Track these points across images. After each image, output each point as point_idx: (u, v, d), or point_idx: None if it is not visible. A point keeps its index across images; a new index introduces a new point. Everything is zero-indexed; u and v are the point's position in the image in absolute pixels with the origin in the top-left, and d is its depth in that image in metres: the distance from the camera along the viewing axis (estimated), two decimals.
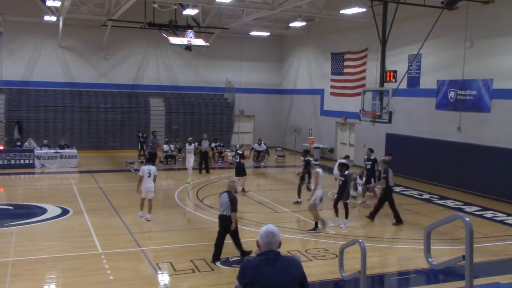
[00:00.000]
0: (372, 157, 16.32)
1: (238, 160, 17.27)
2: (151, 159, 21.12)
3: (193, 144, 19.80)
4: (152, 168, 13.35)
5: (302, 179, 16.03)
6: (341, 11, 21.30)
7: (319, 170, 13.06)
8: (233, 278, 9.03)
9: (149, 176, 13.10)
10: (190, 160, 19.30)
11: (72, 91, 28.39)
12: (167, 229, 12.80)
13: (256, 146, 24.98)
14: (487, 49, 17.97)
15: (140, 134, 24.96)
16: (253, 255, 8.80)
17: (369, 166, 16.24)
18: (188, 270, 9.52)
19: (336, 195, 13.50)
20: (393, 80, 18.22)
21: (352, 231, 13.27)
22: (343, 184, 13.33)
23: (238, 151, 17.50)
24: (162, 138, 26.74)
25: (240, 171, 17.05)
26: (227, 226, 10.03)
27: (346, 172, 13.44)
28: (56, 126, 27.40)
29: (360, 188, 16.54)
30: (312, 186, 13.52)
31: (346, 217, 13.19)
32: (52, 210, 14.18)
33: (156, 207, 14.33)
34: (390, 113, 18.42)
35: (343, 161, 15.40)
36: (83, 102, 28.23)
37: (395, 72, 18.32)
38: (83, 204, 15.07)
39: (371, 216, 13.78)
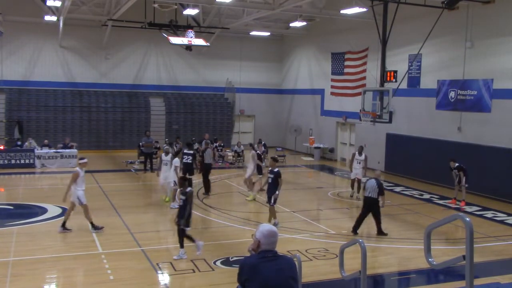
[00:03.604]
0: (276, 170, 12.75)
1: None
2: (147, 159, 21.09)
3: (170, 154, 15.43)
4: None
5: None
6: (342, 11, 21.29)
7: (78, 169, 11.98)
8: (233, 278, 9.04)
9: (166, 164, 14.72)
10: (167, 174, 15.08)
11: (73, 91, 28.39)
12: (167, 229, 12.79)
13: (256, 147, 24.78)
14: (487, 49, 17.97)
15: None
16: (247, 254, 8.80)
17: (270, 180, 12.75)
18: (188, 270, 9.52)
19: (176, 219, 10.17)
20: (394, 80, 18.22)
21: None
22: (183, 205, 10.07)
23: (258, 151, 17.49)
24: (162, 138, 26.78)
25: (260, 169, 17.10)
26: (371, 207, 12.21)
27: (188, 189, 10.19)
28: (56, 126, 27.40)
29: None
30: None
31: (181, 245, 10.16)
32: (53, 209, 14.18)
33: (156, 206, 14.33)
34: (391, 113, 18.42)
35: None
36: (84, 102, 28.23)
37: (395, 72, 18.32)
38: None
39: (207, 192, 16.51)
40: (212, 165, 17.65)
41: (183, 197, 10.08)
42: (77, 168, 12.09)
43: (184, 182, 10.33)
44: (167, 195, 15.47)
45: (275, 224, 12.43)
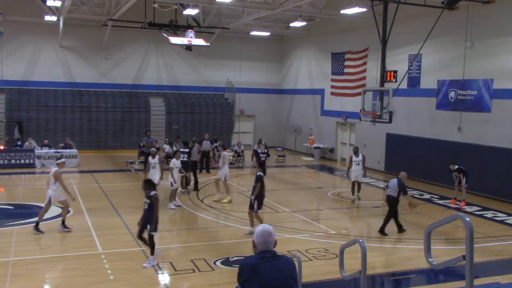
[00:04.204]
0: (258, 174, 12.40)
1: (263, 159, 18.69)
2: (147, 159, 21.11)
3: (157, 157, 15.35)
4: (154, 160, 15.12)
5: None
6: (342, 11, 21.29)
7: (56, 169, 11.85)
8: (233, 278, 9.03)
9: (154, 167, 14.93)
10: (155, 177, 14.77)
11: (73, 91, 28.40)
12: (167, 229, 12.78)
13: (256, 147, 24.79)
14: (487, 49, 17.96)
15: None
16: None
17: (254, 184, 12.33)
18: (188, 270, 9.52)
19: (140, 224, 9.81)
20: (394, 80, 18.24)
21: (353, 231, 13.28)
22: (149, 209, 9.63)
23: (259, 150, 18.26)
24: (162, 138, 26.80)
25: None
26: (389, 205, 12.48)
27: (153, 192, 9.67)
28: (56, 126, 27.41)
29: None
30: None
31: (152, 252, 9.70)
32: (52, 210, 14.06)
33: None
34: (391, 113, 18.44)
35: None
36: (84, 102, 28.23)
37: (395, 72, 18.34)
38: (83, 204, 15.06)
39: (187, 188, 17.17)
40: (198, 163, 19.49)
41: (148, 201, 9.63)
42: (56, 168, 12.03)
43: (148, 185, 9.77)
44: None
45: (250, 233, 11.67)
